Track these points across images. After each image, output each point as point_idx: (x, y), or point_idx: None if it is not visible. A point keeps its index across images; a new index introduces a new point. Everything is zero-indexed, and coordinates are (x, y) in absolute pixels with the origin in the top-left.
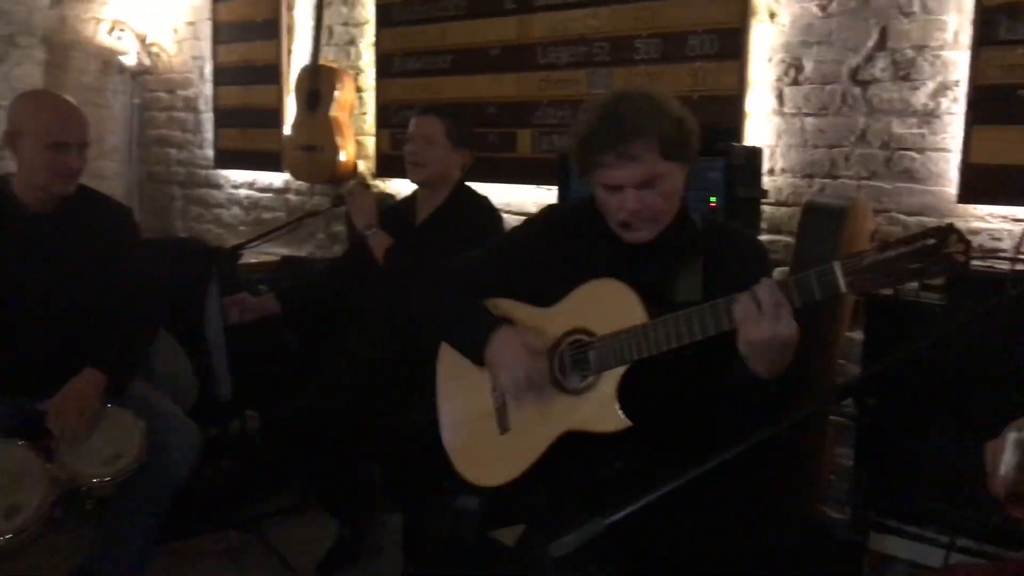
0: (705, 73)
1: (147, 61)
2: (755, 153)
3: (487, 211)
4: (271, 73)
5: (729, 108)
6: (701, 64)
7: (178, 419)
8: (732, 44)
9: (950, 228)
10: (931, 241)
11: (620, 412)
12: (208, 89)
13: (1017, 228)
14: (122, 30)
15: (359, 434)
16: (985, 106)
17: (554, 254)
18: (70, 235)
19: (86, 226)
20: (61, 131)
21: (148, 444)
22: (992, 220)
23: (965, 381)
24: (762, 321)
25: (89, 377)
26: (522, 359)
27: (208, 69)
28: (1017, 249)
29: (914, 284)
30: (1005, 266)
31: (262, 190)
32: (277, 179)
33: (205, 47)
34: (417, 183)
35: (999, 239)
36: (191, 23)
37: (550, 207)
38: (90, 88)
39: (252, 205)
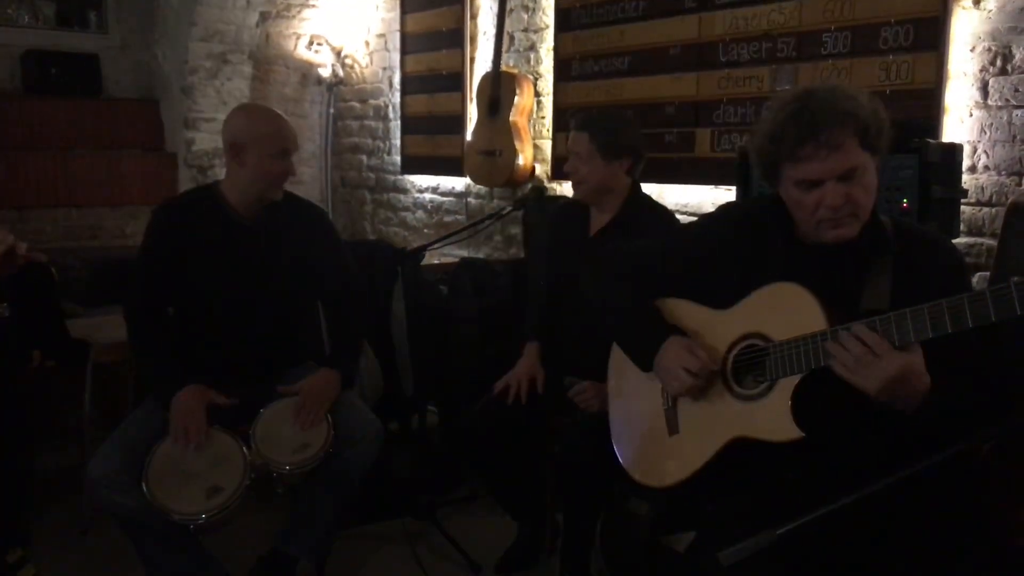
0: (899, 66)
1: (341, 73)
2: (954, 149)
3: (660, 213)
4: (455, 81)
5: (925, 102)
6: (894, 57)
7: (364, 413)
8: (930, 34)
9: None
10: None
11: (792, 422)
12: (396, 98)
13: None
14: (320, 44)
15: (535, 434)
16: None
17: (731, 253)
18: (278, 239)
19: (292, 230)
20: (284, 139)
21: (335, 436)
22: None
23: None
24: (859, 369)
25: (329, 375)
26: (684, 376)
27: (397, 79)
28: None
29: None
30: None
31: (444, 194)
32: (459, 183)
33: (394, 58)
34: (580, 199)
35: None
36: (381, 35)
37: (728, 205)
38: (290, 99)
39: (435, 208)
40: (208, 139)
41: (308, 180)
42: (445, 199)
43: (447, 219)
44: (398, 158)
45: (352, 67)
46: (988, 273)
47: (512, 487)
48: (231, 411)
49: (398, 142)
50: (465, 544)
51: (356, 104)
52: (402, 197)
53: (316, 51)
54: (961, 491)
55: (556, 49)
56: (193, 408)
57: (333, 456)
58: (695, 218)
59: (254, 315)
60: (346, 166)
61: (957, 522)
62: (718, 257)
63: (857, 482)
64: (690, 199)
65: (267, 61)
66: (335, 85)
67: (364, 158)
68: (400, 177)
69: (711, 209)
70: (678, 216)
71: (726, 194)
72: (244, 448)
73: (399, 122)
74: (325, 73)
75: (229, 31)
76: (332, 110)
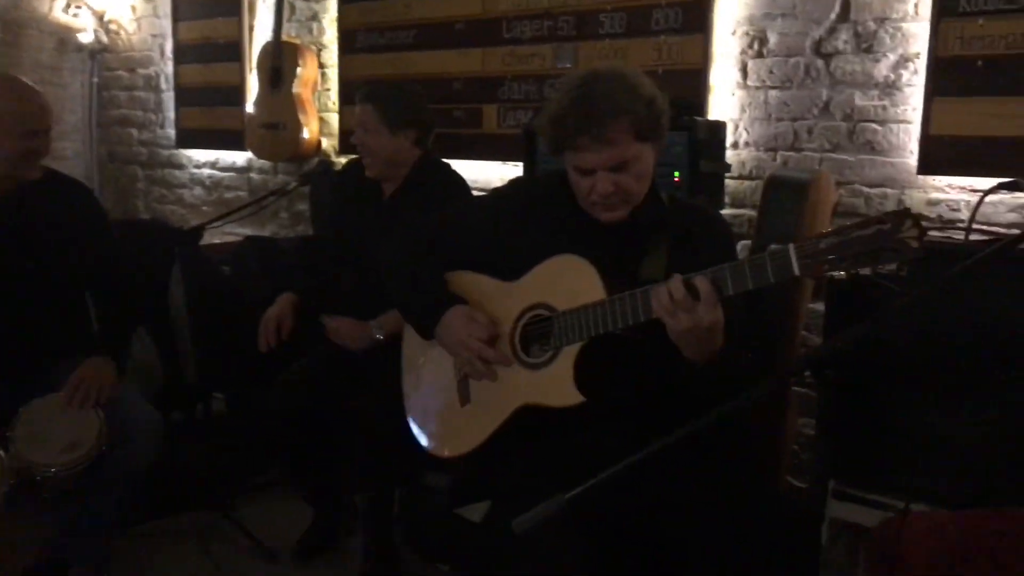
0: (669, 47)
1: (105, 39)
2: (719, 127)
3: (453, 178)
4: (232, 50)
5: (693, 82)
6: (665, 38)
7: (140, 405)
8: (696, 17)
9: (905, 213)
10: (886, 226)
11: (575, 387)
12: (169, 67)
13: (974, 199)
14: (79, 7)
15: (328, 416)
16: (945, 78)
17: (521, 227)
18: (34, 220)
19: (52, 208)
20: (31, 119)
21: (109, 432)
22: (950, 191)
23: (922, 352)
24: (677, 312)
25: (98, 362)
26: (468, 340)
27: (169, 47)
28: (971, 220)
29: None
30: (962, 236)
31: (224, 169)
32: (240, 158)
33: (165, 24)
34: (373, 176)
35: (957, 210)
36: (150, 0)
37: (518, 179)
38: (46, 67)
39: (215, 185)
40: None
41: (71, 156)
42: (225, 175)
43: (228, 196)
44: (172, 131)
45: (118, 33)
46: (749, 242)
47: (309, 468)
48: None
49: (172, 114)
50: (261, 533)
51: (124, 73)
52: (178, 173)
53: (75, 15)
54: (733, 445)
55: (340, 20)
56: None
57: (107, 454)
58: (486, 193)
59: (10, 304)
60: (114, 140)
61: (732, 472)
62: (508, 230)
63: (640, 442)
64: (479, 175)
65: (17, 24)
66: (99, 52)
67: (135, 131)
68: (175, 152)
69: (500, 184)
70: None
71: (514, 170)
72: (1, 452)
73: (172, 93)
74: (86, 39)
75: None
76: (96, 79)
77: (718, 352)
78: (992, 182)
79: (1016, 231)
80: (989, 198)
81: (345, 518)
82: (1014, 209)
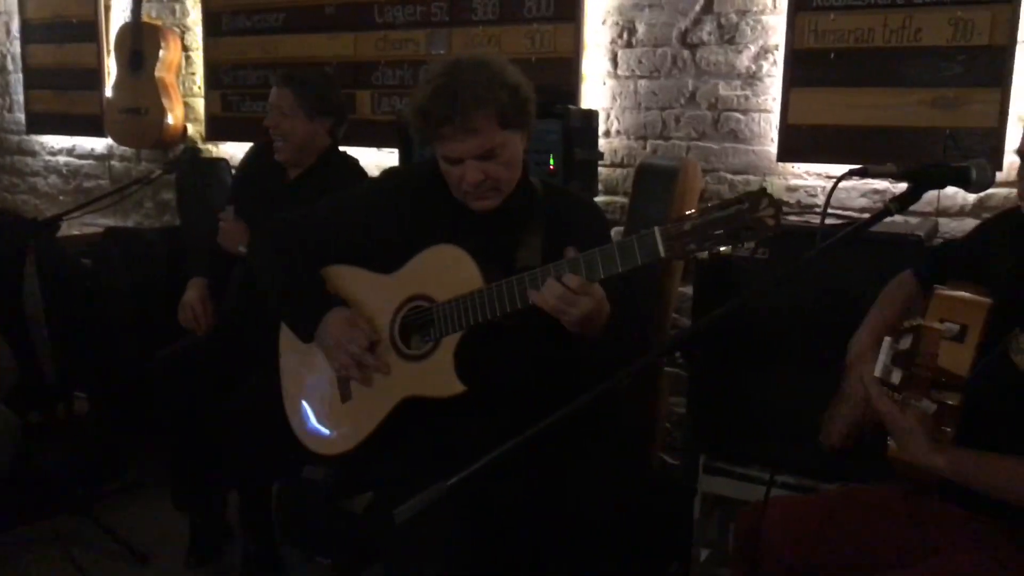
0: (542, 35)
1: None
2: (591, 115)
3: (356, 170)
4: (88, 30)
5: (566, 70)
6: (538, 26)
7: None
8: (568, 6)
9: (762, 193)
10: (744, 206)
11: (456, 377)
12: (16, 47)
13: (830, 184)
14: None
15: (202, 415)
16: (801, 69)
17: (397, 218)
18: None
19: None
20: None
21: None
22: (808, 177)
23: (782, 330)
24: (564, 308)
25: None
26: (348, 346)
27: (15, 25)
28: (826, 205)
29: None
30: (818, 220)
31: (82, 156)
32: (99, 144)
33: (10, 1)
34: (283, 160)
35: (814, 195)
36: None
37: (392, 169)
38: None
39: (72, 173)
40: None
41: None
42: (83, 162)
43: (87, 184)
44: (22, 116)
45: None
46: (622, 228)
47: (182, 473)
48: None
49: (21, 98)
50: (129, 536)
51: None
52: (30, 160)
53: None
54: (608, 426)
55: (204, 1)
56: None
57: None
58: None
59: None
60: None
61: (607, 452)
62: (384, 222)
63: (522, 428)
64: None
65: None
66: None
67: None
68: (26, 138)
69: (375, 172)
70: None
71: (389, 157)
72: None
73: (20, 75)
74: None
75: None
76: None
77: (609, 319)
78: (846, 168)
79: (867, 215)
80: (842, 184)
81: (226, 522)
82: (865, 194)
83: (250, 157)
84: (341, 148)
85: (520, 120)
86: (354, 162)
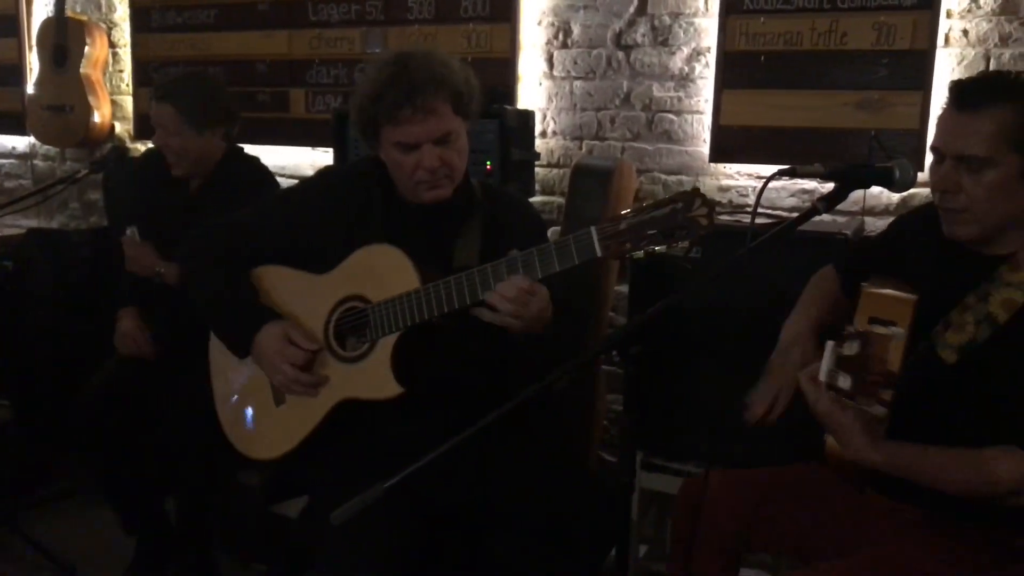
0: (479, 35)
1: None
2: (528, 116)
3: (261, 171)
4: (8, 24)
5: (502, 71)
6: (475, 26)
7: None
8: (503, 6)
9: (695, 193)
10: (678, 206)
11: (393, 379)
12: None
13: (760, 184)
14: None
15: (136, 426)
16: (732, 71)
17: (332, 217)
18: None
19: None
20: None
21: None
22: (739, 178)
23: (712, 327)
24: (513, 319)
25: None
26: (283, 366)
27: None
28: (756, 205)
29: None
30: (749, 220)
31: (3, 155)
32: (20, 143)
33: None
34: (182, 176)
35: (745, 195)
36: None
37: (327, 168)
38: None
39: None
40: None
41: None
42: (4, 161)
43: (8, 184)
44: None
45: None
46: (559, 228)
47: (121, 482)
48: None
49: None
50: (56, 547)
51: None
52: None
53: None
54: (546, 425)
55: None
56: None
57: None
58: (295, 181)
59: None
60: None
61: (545, 451)
62: (319, 221)
63: (461, 428)
64: (287, 161)
65: None
66: None
67: None
68: None
69: (310, 171)
70: (278, 179)
71: (324, 156)
72: None
73: None
74: None
75: None
76: None
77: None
78: (776, 169)
79: (796, 214)
80: (772, 184)
81: (167, 537)
82: (794, 194)
83: (139, 171)
84: (240, 145)
85: (469, 109)
86: (256, 161)
